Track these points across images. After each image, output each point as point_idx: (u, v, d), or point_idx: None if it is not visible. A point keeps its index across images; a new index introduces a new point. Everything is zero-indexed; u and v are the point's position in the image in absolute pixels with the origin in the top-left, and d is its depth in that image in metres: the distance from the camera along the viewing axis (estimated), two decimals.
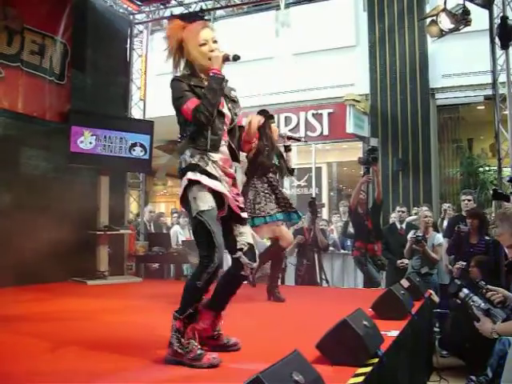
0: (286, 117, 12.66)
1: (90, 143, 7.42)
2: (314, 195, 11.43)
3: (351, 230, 8.06)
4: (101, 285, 7.10)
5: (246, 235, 3.21)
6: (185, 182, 3.05)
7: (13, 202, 6.39)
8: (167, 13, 9.21)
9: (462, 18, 7.16)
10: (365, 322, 2.99)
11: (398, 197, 10.83)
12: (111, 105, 8.33)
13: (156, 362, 3.00)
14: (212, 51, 3.19)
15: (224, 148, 3.21)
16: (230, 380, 2.64)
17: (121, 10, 9.07)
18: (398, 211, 8.20)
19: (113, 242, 7.81)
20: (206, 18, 8.83)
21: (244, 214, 3.24)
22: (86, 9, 7.91)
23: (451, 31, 7.42)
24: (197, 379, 2.74)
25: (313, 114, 12.08)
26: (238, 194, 3.25)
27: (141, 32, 9.66)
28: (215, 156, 3.12)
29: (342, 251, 9.05)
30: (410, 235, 7.29)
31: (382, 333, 3.23)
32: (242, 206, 3.25)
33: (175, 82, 3.18)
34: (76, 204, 6.92)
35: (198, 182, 3.02)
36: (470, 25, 7.27)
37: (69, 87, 7.66)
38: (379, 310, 4.26)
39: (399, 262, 7.42)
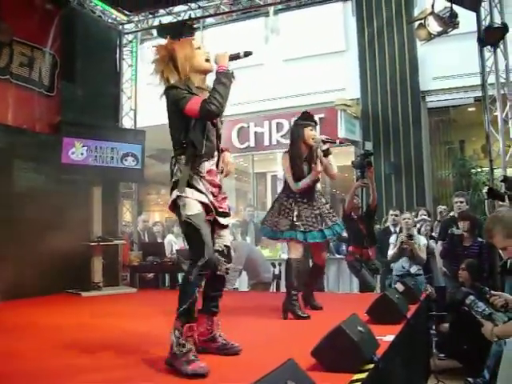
0: (277, 123, 12.66)
1: (82, 154, 7.41)
2: None
3: (345, 234, 8.05)
4: (95, 296, 7.06)
5: (224, 238, 3.45)
6: (174, 195, 3.23)
7: (4, 214, 6.36)
8: (156, 22, 9.20)
9: (449, 21, 7.19)
10: (360, 328, 2.97)
11: (391, 200, 10.83)
12: (102, 115, 8.31)
13: (150, 372, 2.98)
14: (207, 53, 3.41)
15: (213, 160, 3.39)
16: None
17: (109, 21, 9.06)
18: (391, 215, 8.21)
19: (107, 252, 7.77)
20: (194, 26, 8.82)
21: (224, 220, 3.42)
22: (75, 20, 7.90)
23: (440, 34, 7.45)
24: None
25: None
26: (224, 199, 3.46)
27: (130, 42, 9.64)
28: (203, 170, 3.29)
29: (338, 256, 9.03)
30: (393, 239, 7.33)
31: (378, 338, 3.22)
32: (227, 211, 3.46)
33: (172, 89, 3.31)
34: (69, 215, 6.89)
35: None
36: (457, 27, 7.31)
37: (58, 99, 7.63)
38: (374, 314, 4.25)
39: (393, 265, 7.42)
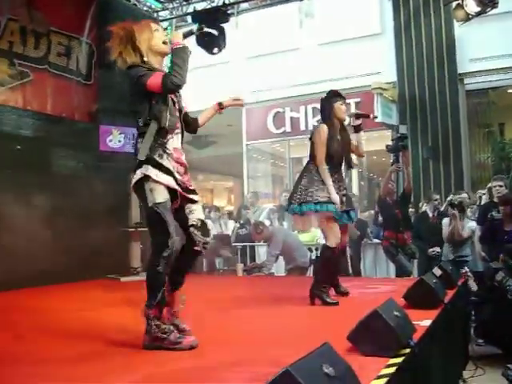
0: (313, 108, 12.59)
1: (119, 141, 7.51)
2: None
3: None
4: (134, 281, 7.16)
5: (196, 212, 3.43)
6: (139, 174, 3.23)
7: (45, 201, 6.49)
8: (190, 9, 9.21)
9: (488, 1, 7.04)
10: (396, 313, 2.97)
11: (428, 185, 10.70)
12: None
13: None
14: (165, 35, 3.51)
15: (176, 136, 3.39)
16: (258, 372, 2.60)
17: (144, 8, 9.12)
18: (435, 200, 8.05)
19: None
20: (229, 12, 8.81)
21: (195, 197, 3.44)
22: (110, 8, 7.96)
23: (478, 14, 7.31)
24: (224, 369, 2.75)
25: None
26: (189, 180, 3.44)
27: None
28: (170, 147, 3.30)
29: (375, 241, 8.97)
30: (446, 221, 7.23)
31: (414, 323, 3.20)
32: (193, 188, 3.45)
33: (133, 67, 3.38)
34: (107, 202, 7.01)
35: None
36: (497, 7, 7.15)
37: (96, 87, 7.74)
38: (411, 299, 4.22)
39: (431, 250, 7.36)
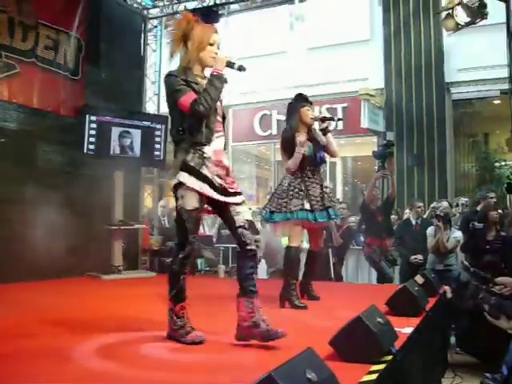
0: None
1: None
2: None
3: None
4: (115, 279, 7.12)
5: (242, 213, 3.47)
6: (175, 180, 3.35)
7: (28, 196, 6.42)
8: (181, 7, 9.19)
9: (478, 12, 7.09)
10: (379, 319, 2.96)
11: (412, 192, 10.75)
12: (125, 99, 8.30)
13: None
14: (216, 53, 3.44)
15: (219, 140, 3.44)
16: (241, 378, 2.59)
17: (135, 5, 9.06)
18: (418, 207, 8.06)
19: (127, 236, 7.83)
20: (220, 12, 8.79)
21: (237, 199, 3.45)
22: (100, 4, 7.91)
23: (467, 25, 7.36)
24: (204, 377, 2.71)
25: (327, 109, 11.97)
26: (233, 182, 3.47)
27: (155, 27, 9.66)
28: (208, 151, 3.35)
29: (356, 247, 8.99)
30: (431, 230, 7.18)
31: (396, 329, 3.20)
32: (238, 190, 3.49)
33: (170, 77, 3.41)
34: (91, 199, 6.95)
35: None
36: (486, 18, 7.21)
37: (83, 82, 7.67)
38: (393, 306, 4.23)
39: (413, 257, 7.35)
